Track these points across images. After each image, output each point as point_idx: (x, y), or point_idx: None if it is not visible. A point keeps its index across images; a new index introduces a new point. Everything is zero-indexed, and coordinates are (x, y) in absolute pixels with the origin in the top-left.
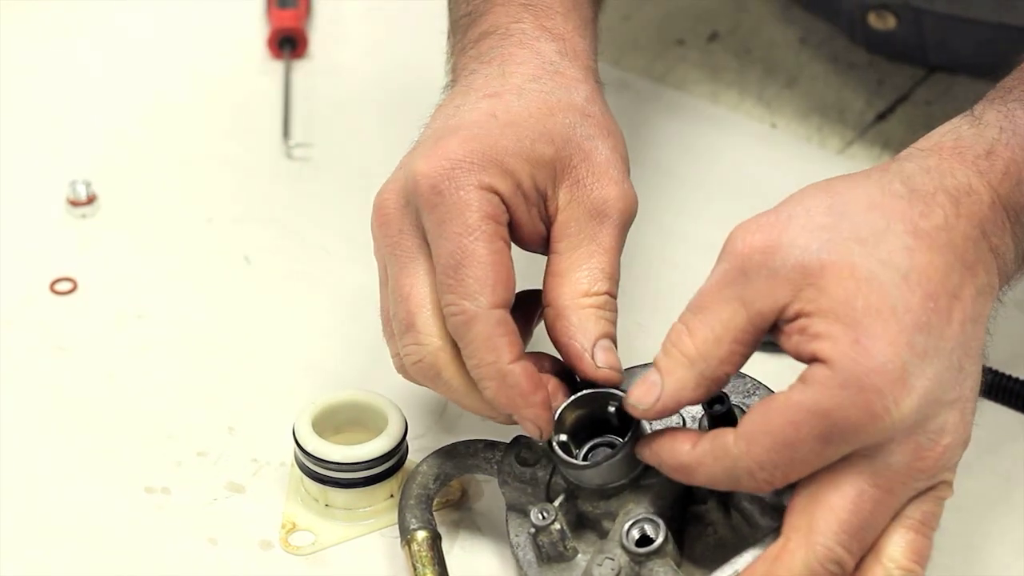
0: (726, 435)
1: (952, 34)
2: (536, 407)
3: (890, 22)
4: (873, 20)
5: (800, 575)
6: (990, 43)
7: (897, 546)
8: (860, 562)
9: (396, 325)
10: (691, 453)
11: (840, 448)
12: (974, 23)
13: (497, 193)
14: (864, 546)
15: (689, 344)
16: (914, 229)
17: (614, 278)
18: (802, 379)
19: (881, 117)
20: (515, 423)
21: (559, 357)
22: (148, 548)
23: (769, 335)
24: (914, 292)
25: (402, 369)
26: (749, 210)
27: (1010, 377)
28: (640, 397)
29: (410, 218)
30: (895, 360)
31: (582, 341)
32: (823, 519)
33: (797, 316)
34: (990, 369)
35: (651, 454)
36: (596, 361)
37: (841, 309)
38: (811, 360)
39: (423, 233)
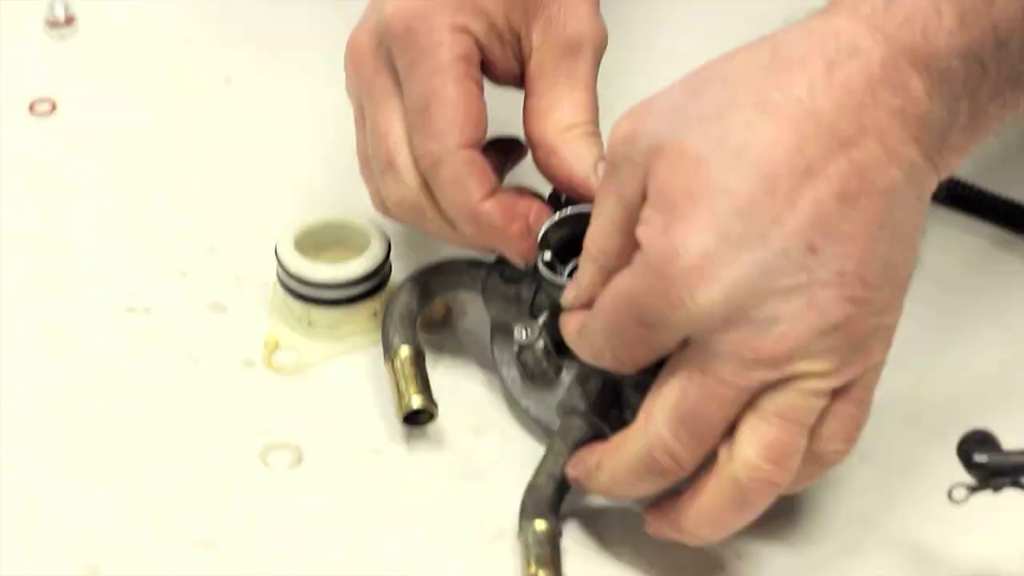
0: (588, 313)
1: None
2: (513, 240)
3: None
4: None
5: (633, 460)
6: None
7: (746, 442)
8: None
9: (376, 164)
10: (571, 329)
11: (663, 334)
12: None
13: (470, 33)
14: (699, 438)
15: (589, 239)
16: (763, 102)
17: (595, 109)
18: (628, 264)
19: None
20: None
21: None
22: (129, 368)
23: None
24: (744, 173)
25: (383, 207)
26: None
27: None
28: (565, 295)
29: (383, 58)
30: (694, 249)
31: (581, 168)
32: (658, 406)
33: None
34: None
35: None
36: (588, 187)
37: (664, 192)
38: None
39: (397, 73)
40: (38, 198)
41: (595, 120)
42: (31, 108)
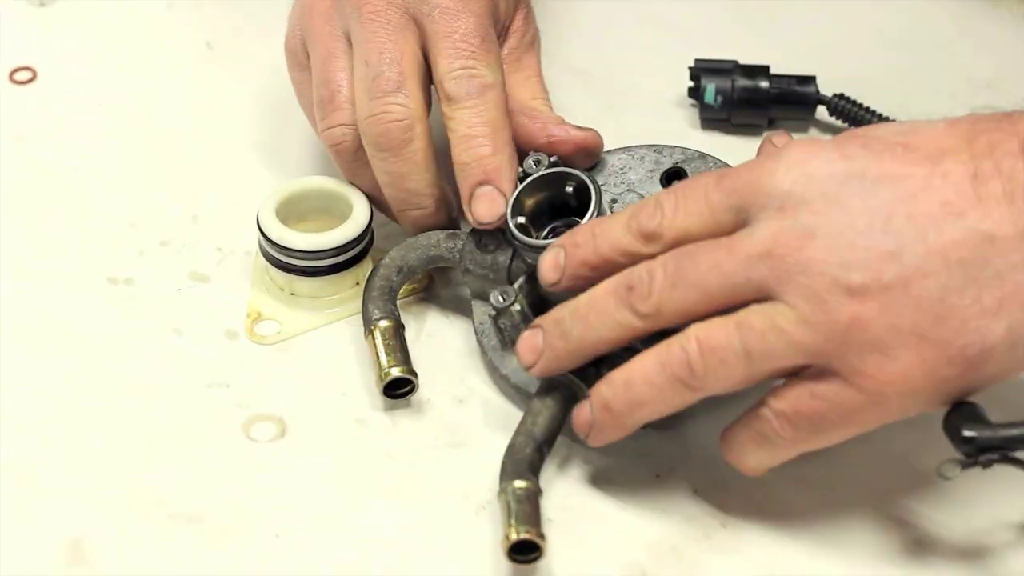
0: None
1: None
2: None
3: None
4: None
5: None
6: None
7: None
8: None
9: (381, 83)
10: None
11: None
12: None
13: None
14: (687, 286)
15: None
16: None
17: (547, 94)
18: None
19: None
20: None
21: None
22: (111, 339)
23: None
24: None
25: (359, 135)
26: None
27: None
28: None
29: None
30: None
31: (551, 119)
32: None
33: None
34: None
35: None
36: (570, 130)
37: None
38: None
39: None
40: (18, 167)
41: (548, 98)
42: (11, 76)
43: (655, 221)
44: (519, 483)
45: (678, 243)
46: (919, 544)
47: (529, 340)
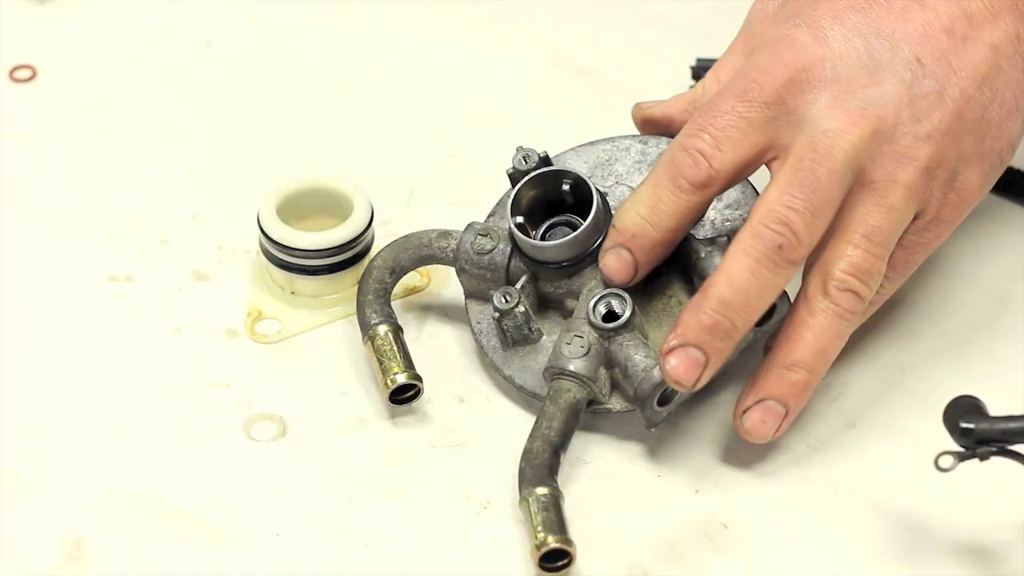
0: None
1: None
2: None
3: None
4: None
5: (749, 243)
6: None
7: (838, 260)
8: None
9: None
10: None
11: (754, 102)
12: None
13: None
14: (813, 208)
15: (698, 86)
16: None
17: None
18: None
19: None
20: None
21: None
22: (112, 337)
23: None
24: None
25: None
26: None
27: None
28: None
29: None
30: (803, 23)
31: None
32: (771, 188)
33: None
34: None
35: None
36: None
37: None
38: None
39: None
40: (18, 166)
41: None
42: (11, 74)
43: (703, 168)
44: (541, 490)
45: (737, 174)
46: (919, 543)
47: (683, 362)
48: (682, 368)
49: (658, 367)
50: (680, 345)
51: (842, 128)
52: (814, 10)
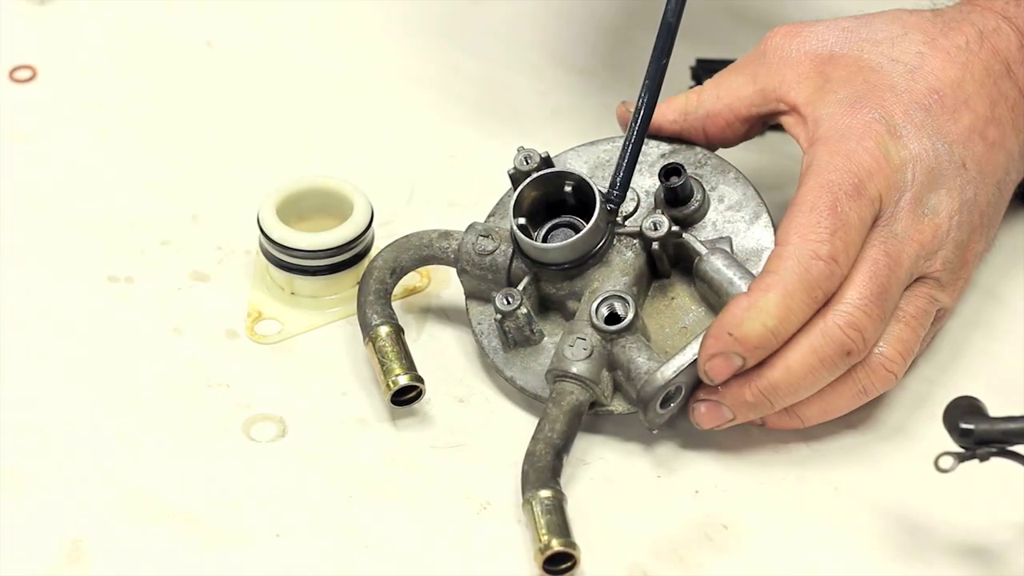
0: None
1: None
2: None
3: None
4: None
5: (818, 343)
6: None
7: (887, 334)
8: None
9: None
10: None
11: (866, 200)
12: None
13: None
14: (883, 312)
15: (692, 94)
16: (931, 40)
17: None
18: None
19: None
20: None
21: None
22: (112, 338)
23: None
24: (918, 83)
25: None
26: None
27: None
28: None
29: None
30: (881, 118)
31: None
32: (848, 288)
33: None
34: None
35: None
36: None
37: (842, 90)
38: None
39: None
40: (18, 166)
41: None
42: (11, 75)
43: (836, 277)
44: (545, 492)
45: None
46: (919, 544)
47: (712, 414)
48: (707, 418)
49: (661, 370)
50: (716, 402)
51: (909, 235)
52: (883, 100)
